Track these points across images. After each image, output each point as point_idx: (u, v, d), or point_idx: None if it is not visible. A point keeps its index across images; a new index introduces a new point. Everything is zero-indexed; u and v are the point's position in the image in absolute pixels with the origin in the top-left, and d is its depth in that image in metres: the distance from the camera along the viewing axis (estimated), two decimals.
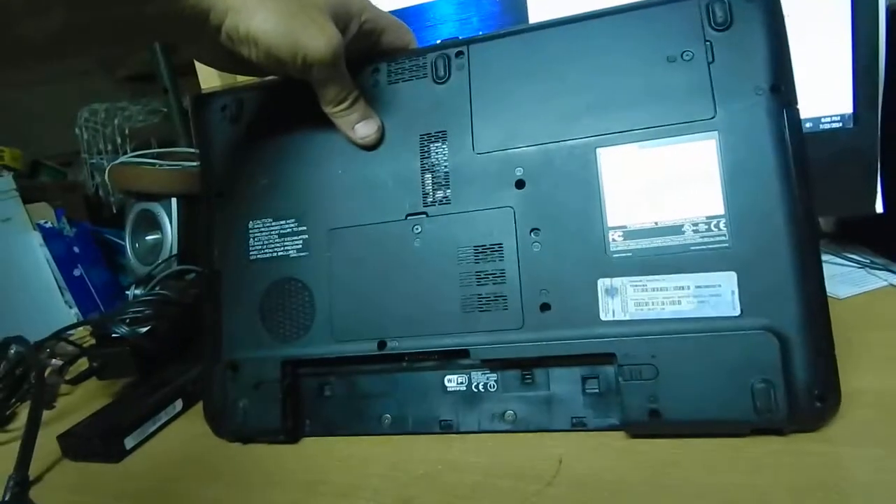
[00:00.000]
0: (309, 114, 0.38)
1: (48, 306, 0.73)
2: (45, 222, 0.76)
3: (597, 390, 0.34)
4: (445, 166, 0.37)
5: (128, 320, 0.46)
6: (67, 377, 0.49)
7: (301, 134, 0.40)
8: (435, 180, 0.37)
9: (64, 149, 0.68)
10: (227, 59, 0.36)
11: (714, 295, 0.32)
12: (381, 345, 0.37)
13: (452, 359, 0.36)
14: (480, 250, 0.36)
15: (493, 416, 0.36)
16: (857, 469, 0.29)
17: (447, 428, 0.37)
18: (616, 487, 0.30)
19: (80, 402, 0.51)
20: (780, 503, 0.27)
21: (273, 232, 0.40)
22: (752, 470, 0.29)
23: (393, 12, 0.56)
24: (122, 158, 0.68)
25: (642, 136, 0.33)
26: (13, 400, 0.50)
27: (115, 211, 0.85)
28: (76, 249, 0.78)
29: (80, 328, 0.60)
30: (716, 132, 0.32)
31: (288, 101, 0.40)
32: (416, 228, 0.37)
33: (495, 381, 0.36)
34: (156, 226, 0.64)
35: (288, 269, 0.39)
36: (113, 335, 0.45)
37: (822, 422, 0.31)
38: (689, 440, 0.32)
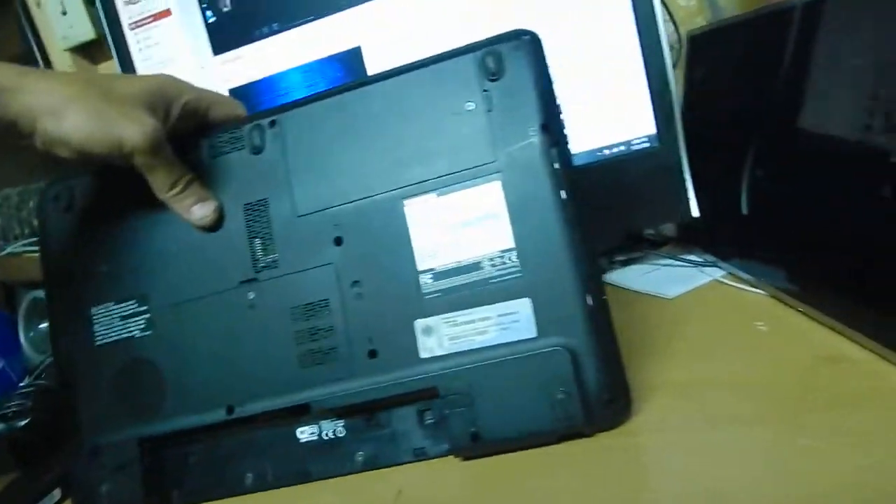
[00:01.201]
0: (141, 196, 0.40)
1: None
2: None
3: (432, 421, 0.37)
4: (269, 233, 0.39)
5: (8, 416, 0.46)
6: None
7: (135, 216, 0.42)
8: (262, 246, 0.39)
9: None
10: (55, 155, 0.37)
11: (514, 321, 0.35)
12: (230, 410, 0.38)
13: (295, 414, 0.38)
14: (309, 308, 0.38)
15: (345, 460, 0.38)
16: (651, 454, 0.33)
17: (305, 477, 0.39)
18: None
19: None
20: (590, 492, 0.30)
21: (115, 315, 0.41)
22: (566, 470, 0.33)
23: (246, 86, 0.60)
24: (9, 249, 0.68)
25: (439, 184, 0.37)
26: None
27: None
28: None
29: None
30: (499, 174, 0.36)
31: (120, 186, 0.42)
32: (250, 294, 0.39)
33: (343, 426, 0.38)
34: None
35: (134, 349, 0.41)
36: None
37: (616, 420, 0.34)
38: (513, 455, 0.35)
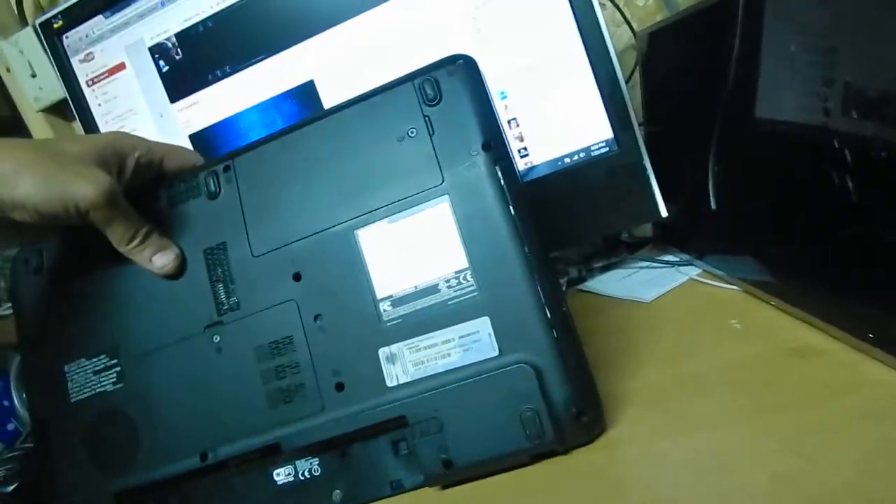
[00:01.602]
0: (106, 252, 0.40)
1: None
2: None
3: (406, 452, 0.36)
4: (230, 275, 0.39)
5: None
6: None
7: (101, 272, 0.42)
8: (224, 289, 0.39)
9: None
10: (9, 226, 0.38)
11: (475, 341, 0.35)
12: (203, 457, 0.38)
13: (268, 455, 0.38)
14: (274, 346, 0.38)
15: (322, 499, 0.38)
16: (625, 467, 0.32)
17: None
18: None
19: None
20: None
21: (87, 370, 0.41)
22: (543, 491, 0.32)
23: (206, 129, 0.60)
24: None
25: (389, 211, 0.37)
26: None
27: None
28: (6, 403, 0.73)
29: None
30: (447, 195, 0.36)
31: (85, 244, 0.42)
32: (216, 338, 0.39)
33: (318, 464, 0.38)
34: None
35: (107, 402, 0.41)
36: None
37: (589, 434, 0.34)
38: (490, 480, 0.34)
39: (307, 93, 0.57)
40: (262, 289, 0.39)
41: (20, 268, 0.44)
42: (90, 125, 0.63)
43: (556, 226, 0.44)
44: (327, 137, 0.39)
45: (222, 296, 0.39)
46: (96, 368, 0.41)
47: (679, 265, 0.54)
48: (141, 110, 0.62)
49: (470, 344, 0.35)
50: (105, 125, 0.63)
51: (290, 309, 0.38)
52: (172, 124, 0.61)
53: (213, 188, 0.41)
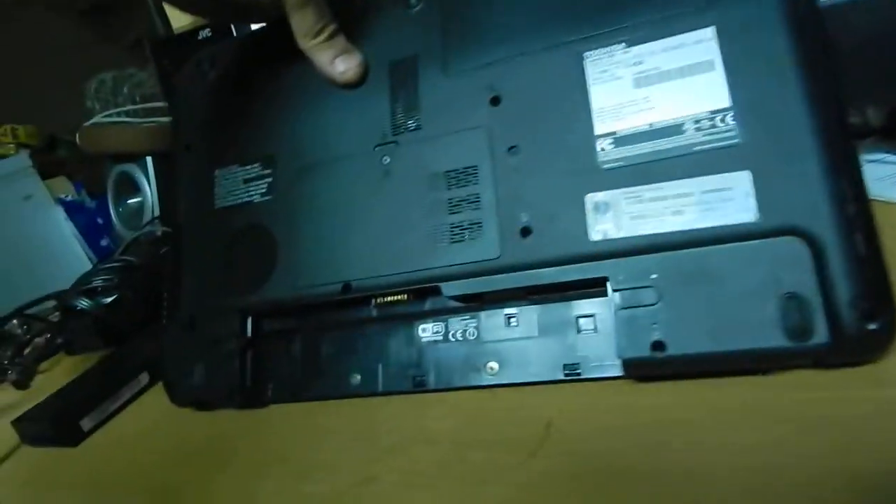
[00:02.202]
0: (277, 60, 0.37)
1: None
2: (66, 196, 0.75)
3: (593, 330, 0.29)
4: (416, 92, 0.33)
5: (96, 290, 0.43)
6: (35, 355, 0.46)
7: (269, 81, 0.38)
8: (405, 107, 0.33)
9: (79, 121, 0.66)
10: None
11: (725, 199, 0.26)
12: (346, 288, 0.33)
13: (423, 297, 0.32)
14: (454, 175, 0.31)
15: (473, 369, 0.31)
16: None
17: (421, 385, 0.32)
18: (618, 458, 0.24)
19: (58, 381, 0.48)
20: (827, 469, 0.20)
21: (238, 178, 0.37)
22: (785, 425, 0.23)
23: None
24: (95, 119, 0.65)
25: (632, 34, 0.29)
26: None
27: None
28: (100, 220, 0.76)
29: None
30: (714, 14, 0.28)
31: (256, 53, 0.39)
32: (385, 159, 0.33)
33: (475, 327, 0.31)
34: (136, 188, 0.61)
35: (251, 214, 0.36)
36: (77, 308, 0.42)
37: (876, 349, 0.24)
38: (706, 391, 0.26)
39: None
40: (451, 110, 0.32)
41: (191, 71, 0.41)
42: None
43: (854, 72, 0.32)
44: None
45: (402, 115, 0.33)
46: (248, 176, 0.37)
47: None
48: None
49: (716, 202, 0.26)
50: None
51: (480, 136, 0.31)
52: None
53: None
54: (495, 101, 0.31)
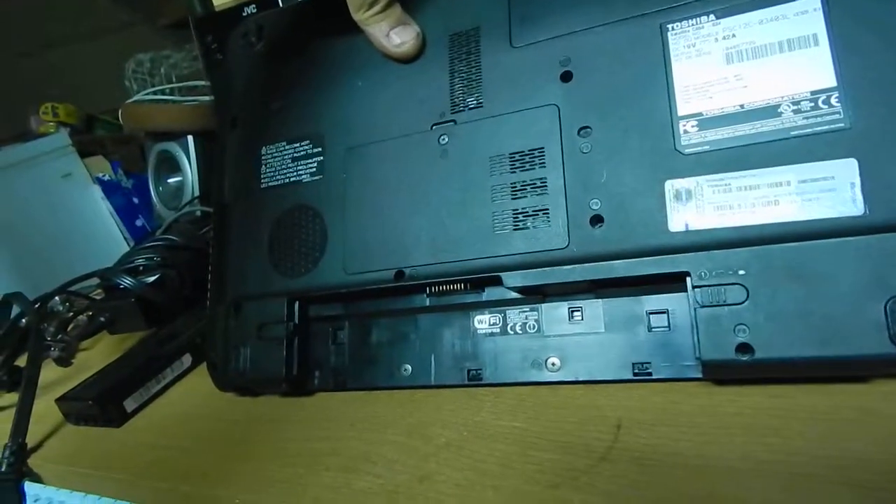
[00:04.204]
0: (328, 32, 0.35)
1: (116, 257, 0.71)
2: (103, 175, 0.76)
3: (666, 327, 0.27)
4: (478, 67, 0.31)
5: (138, 269, 0.42)
6: (77, 333, 0.46)
7: (319, 53, 0.36)
8: (466, 84, 0.31)
9: (116, 101, 0.68)
10: None
11: (826, 190, 0.24)
12: (399, 275, 0.31)
13: (481, 287, 0.30)
14: (517, 158, 0.29)
15: (534, 364, 0.29)
16: None
17: (476, 379, 0.30)
18: (694, 463, 0.22)
19: (99, 359, 0.48)
20: None
21: (287, 156, 0.36)
22: (887, 435, 0.21)
23: None
24: (137, 97, 0.65)
25: (722, 3, 0.26)
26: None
27: None
28: (135, 200, 0.77)
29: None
30: None
31: (306, 23, 0.37)
32: (443, 139, 0.31)
33: (535, 320, 0.29)
34: (177, 167, 0.61)
35: (300, 195, 0.35)
36: (120, 286, 0.42)
37: None
38: (793, 395, 0.24)
39: None
40: (517, 87, 0.30)
41: (237, 41, 0.39)
42: None
43: None
44: None
45: (462, 91, 0.31)
46: (296, 155, 0.35)
47: None
48: None
49: (816, 192, 0.24)
50: None
51: (549, 115, 0.29)
52: None
53: None
54: (566, 76, 0.29)
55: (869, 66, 0.24)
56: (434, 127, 0.32)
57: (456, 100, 0.31)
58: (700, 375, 0.25)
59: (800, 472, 0.20)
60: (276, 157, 0.36)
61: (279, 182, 0.35)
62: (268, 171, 0.36)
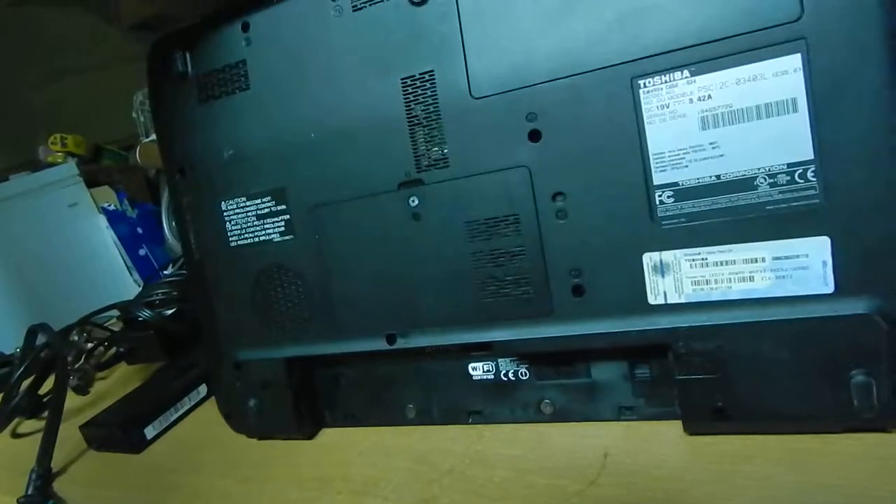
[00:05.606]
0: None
1: (119, 286, 0.75)
2: (109, 205, 0.78)
3: (648, 376, 0.29)
4: (437, 119, 0.29)
5: (155, 303, 0.44)
6: (94, 363, 0.48)
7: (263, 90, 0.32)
8: (427, 137, 0.29)
9: (124, 133, 0.73)
10: None
11: (799, 268, 0.24)
12: (390, 339, 0.32)
13: (473, 352, 0.31)
14: (492, 224, 0.29)
15: (528, 406, 0.31)
16: None
17: (477, 419, 0.33)
18: (673, 486, 0.25)
19: (115, 388, 0.50)
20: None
21: (250, 213, 0.34)
22: (842, 467, 0.24)
23: None
24: (152, 136, 0.65)
25: (696, 56, 0.24)
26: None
27: None
28: (139, 230, 0.79)
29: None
30: (802, 42, 0.23)
31: (234, 49, 0.32)
32: (413, 201, 0.30)
33: (527, 368, 0.31)
34: None
35: (274, 255, 0.34)
36: (139, 318, 0.43)
37: None
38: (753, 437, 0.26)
39: None
40: (482, 143, 0.28)
41: (160, 70, 0.35)
42: None
43: None
44: None
45: (423, 146, 0.29)
46: (260, 212, 0.34)
47: None
48: None
49: (788, 270, 0.24)
50: None
51: (521, 178, 0.28)
52: None
53: None
54: (534, 135, 0.27)
55: (847, 139, 0.23)
56: (401, 186, 0.30)
57: (419, 154, 0.30)
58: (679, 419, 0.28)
59: (764, 496, 0.23)
60: (238, 213, 0.34)
61: (248, 241, 0.34)
62: (234, 228, 0.35)
